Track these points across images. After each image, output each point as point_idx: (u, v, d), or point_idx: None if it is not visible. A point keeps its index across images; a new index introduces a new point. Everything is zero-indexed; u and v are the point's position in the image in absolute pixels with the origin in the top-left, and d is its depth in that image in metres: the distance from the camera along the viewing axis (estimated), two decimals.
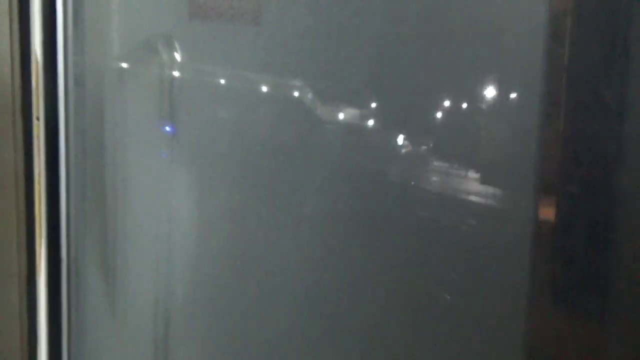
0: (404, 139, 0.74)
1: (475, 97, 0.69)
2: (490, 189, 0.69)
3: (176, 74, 0.87)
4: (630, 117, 0.58)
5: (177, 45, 0.87)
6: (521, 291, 0.67)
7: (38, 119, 0.89)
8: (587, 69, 0.60)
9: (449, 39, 0.68)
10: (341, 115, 0.77)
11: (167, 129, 0.88)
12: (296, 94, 0.80)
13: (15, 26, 0.88)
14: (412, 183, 0.74)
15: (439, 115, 0.71)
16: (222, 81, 0.85)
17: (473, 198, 0.70)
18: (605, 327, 0.64)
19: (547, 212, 0.66)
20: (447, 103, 0.71)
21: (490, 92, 0.68)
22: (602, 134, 0.61)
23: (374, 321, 0.76)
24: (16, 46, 0.88)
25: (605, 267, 0.63)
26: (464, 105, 0.69)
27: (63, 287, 0.90)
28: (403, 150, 0.74)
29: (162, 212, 0.91)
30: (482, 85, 0.68)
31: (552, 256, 0.67)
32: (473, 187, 0.71)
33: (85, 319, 0.93)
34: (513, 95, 0.67)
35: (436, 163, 0.72)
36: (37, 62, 0.88)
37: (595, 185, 0.63)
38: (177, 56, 0.87)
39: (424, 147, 0.73)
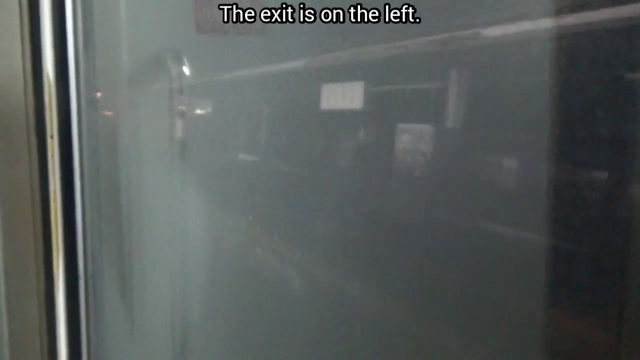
0: (418, 159, 0.72)
1: (486, 104, 0.66)
2: (504, 195, 0.66)
3: (186, 88, 0.87)
4: None
5: (185, 60, 0.86)
6: (538, 298, 0.64)
7: (52, 137, 0.90)
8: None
9: None
10: (356, 131, 0.75)
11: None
12: (309, 106, 0.78)
13: (27, 46, 0.89)
14: (429, 201, 0.71)
15: (454, 130, 0.68)
16: (233, 94, 0.83)
17: (489, 210, 0.67)
18: (624, 331, 0.61)
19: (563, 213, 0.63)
20: (461, 113, 0.68)
21: (501, 97, 0.65)
22: (615, 137, 0.57)
23: (390, 337, 0.74)
24: (28, 66, 0.88)
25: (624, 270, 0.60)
26: (477, 117, 0.67)
27: (81, 303, 0.91)
28: (419, 170, 0.72)
29: (176, 228, 0.90)
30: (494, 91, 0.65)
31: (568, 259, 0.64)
32: (488, 196, 0.68)
33: (104, 333, 0.94)
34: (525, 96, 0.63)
35: (453, 181, 0.69)
36: (49, 81, 0.88)
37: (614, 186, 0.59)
38: (186, 70, 0.86)
39: (439, 164, 0.71)
